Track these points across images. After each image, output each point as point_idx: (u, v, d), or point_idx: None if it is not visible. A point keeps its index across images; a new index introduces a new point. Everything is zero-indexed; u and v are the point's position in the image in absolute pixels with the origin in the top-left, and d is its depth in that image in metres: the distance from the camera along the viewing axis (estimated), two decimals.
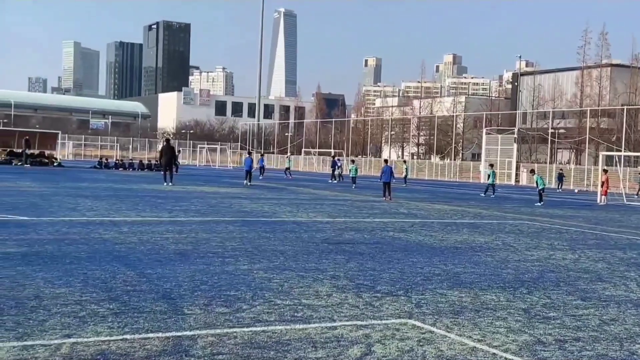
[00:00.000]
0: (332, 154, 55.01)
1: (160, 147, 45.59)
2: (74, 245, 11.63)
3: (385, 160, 32.00)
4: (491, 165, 39.25)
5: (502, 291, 9.27)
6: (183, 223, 16.11)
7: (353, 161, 53.59)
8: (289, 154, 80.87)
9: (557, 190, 50.61)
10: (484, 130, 68.80)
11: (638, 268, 12.05)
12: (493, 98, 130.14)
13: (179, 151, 48.98)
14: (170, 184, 32.42)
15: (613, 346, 6.68)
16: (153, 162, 57.22)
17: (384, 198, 27.99)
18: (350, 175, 41.83)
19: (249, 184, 37.15)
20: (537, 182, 31.75)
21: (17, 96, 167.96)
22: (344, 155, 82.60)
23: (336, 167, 48.52)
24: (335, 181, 46.19)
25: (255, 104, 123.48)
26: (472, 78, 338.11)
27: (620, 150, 55.63)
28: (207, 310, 7.34)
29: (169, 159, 33.75)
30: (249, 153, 47.00)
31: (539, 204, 30.08)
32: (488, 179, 33.15)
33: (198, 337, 6.29)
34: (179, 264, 10.15)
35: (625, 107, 67.44)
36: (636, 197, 41.13)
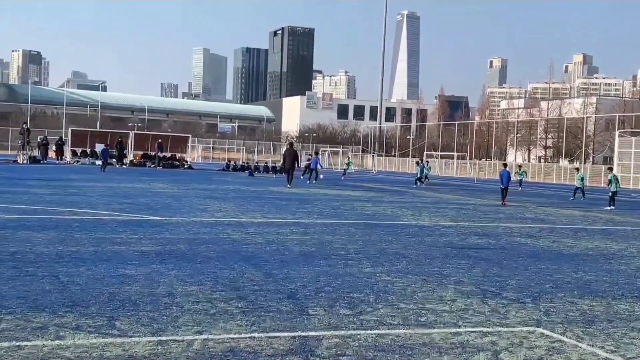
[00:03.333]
0: (418, 160, 54.07)
1: (283, 150, 46.83)
2: (204, 245, 12.08)
3: (505, 165, 30.87)
4: (610, 169, 35.97)
5: (637, 301, 8.84)
6: (307, 225, 16.37)
7: (419, 162, 53.23)
8: (349, 155, 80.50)
9: None
10: (617, 133, 65.73)
11: None
12: (626, 99, 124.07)
13: (316, 153, 50.55)
14: (288, 186, 32.81)
15: None
16: (278, 165, 58.44)
17: (502, 202, 27.29)
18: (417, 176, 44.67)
19: (313, 182, 39.40)
20: (610, 182, 29.79)
21: (150, 101, 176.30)
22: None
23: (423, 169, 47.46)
24: (419, 184, 45.06)
25: (377, 107, 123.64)
26: (604, 78, 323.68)
27: None
28: (331, 311, 7.43)
29: (291, 162, 34.26)
30: (316, 153, 49.33)
31: (608, 208, 27.82)
32: (609, 185, 30.30)
33: (323, 337, 6.38)
34: (303, 265, 10.33)
35: None
36: None
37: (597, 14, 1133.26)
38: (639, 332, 7.15)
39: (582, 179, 35.88)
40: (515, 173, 44.27)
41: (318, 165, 43.10)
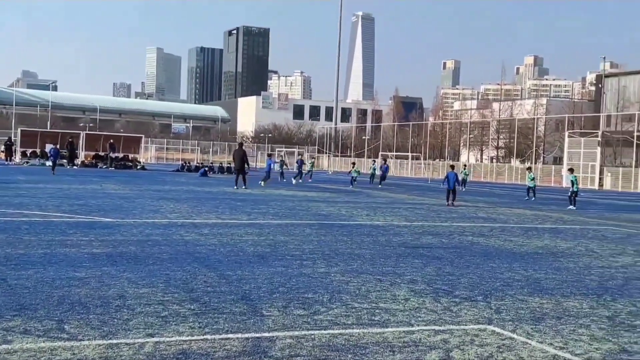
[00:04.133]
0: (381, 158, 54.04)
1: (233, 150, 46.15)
2: (157, 247, 11.95)
3: (452, 166, 29.59)
4: (571, 170, 34.96)
5: (585, 298, 9.03)
6: (261, 225, 16.33)
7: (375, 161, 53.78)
8: (314, 155, 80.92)
9: None
10: (566, 134, 67.07)
11: None
12: (576, 100, 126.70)
13: (280, 157, 50.29)
14: (243, 187, 32.12)
15: None
16: (233, 166, 58.20)
17: (447, 203, 26.66)
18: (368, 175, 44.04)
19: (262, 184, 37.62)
20: (572, 183, 29.67)
21: (102, 101, 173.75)
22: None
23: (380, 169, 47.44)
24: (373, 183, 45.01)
25: (332, 107, 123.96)
26: (554, 80, 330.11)
27: None
28: (286, 312, 7.43)
29: (240, 163, 33.45)
30: (269, 155, 48.63)
31: (571, 207, 28.34)
32: (573, 186, 29.37)
33: (277, 338, 6.37)
34: (257, 266, 10.30)
35: None
36: None
37: (547, 16, 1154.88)
38: (587, 329, 7.30)
39: (533, 179, 36.14)
40: (460, 172, 44.39)
41: (273, 166, 42.83)
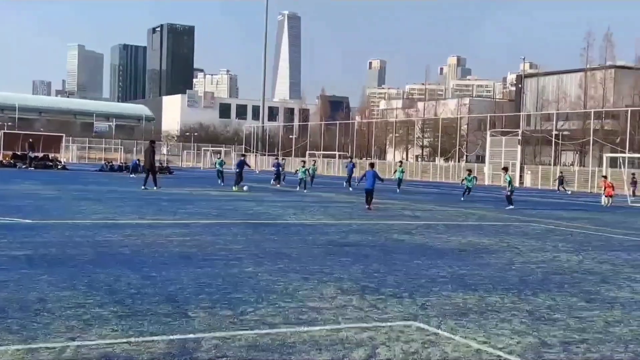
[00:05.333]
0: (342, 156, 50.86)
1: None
2: (79, 249, 11.65)
3: (371, 165, 25.83)
4: (505, 170, 33.88)
5: (507, 293, 9.25)
6: (188, 225, 16.12)
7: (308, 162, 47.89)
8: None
9: (557, 192, 50.58)
10: (488, 132, 68.73)
11: None
12: (497, 100, 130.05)
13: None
14: (154, 187, 30.20)
15: (618, 348, 6.66)
16: (157, 165, 57.29)
17: (367, 207, 23.59)
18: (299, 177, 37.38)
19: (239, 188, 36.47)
20: (508, 183, 28.80)
21: (21, 99, 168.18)
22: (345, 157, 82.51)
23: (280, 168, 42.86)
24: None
25: (259, 106, 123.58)
26: (476, 80, 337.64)
27: (625, 152, 55.51)
28: (212, 313, 7.34)
29: (150, 161, 31.61)
30: (243, 155, 44.35)
31: (511, 206, 27.44)
32: (508, 186, 28.57)
33: (203, 340, 6.29)
34: (183, 267, 10.16)
35: (629, 108, 67.27)
36: (632, 197, 40.54)
37: (470, 17, 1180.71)
38: (509, 323, 7.48)
39: (472, 180, 34.99)
40: (395, 171, 43.74)
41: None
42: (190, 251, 11.86)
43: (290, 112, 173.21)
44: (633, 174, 49.99)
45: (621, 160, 48.24)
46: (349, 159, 47.06)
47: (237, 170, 35.36)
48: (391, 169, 77.11)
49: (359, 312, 7.68)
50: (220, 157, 43.56)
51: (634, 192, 44.17)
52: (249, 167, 35.79)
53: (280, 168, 42.48)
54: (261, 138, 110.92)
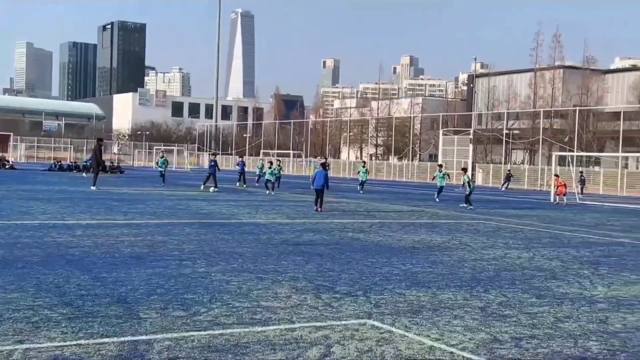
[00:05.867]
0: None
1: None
2: (27, 249, 11.38)
3: (323, 165, 24.41)
4: (464, 170, 32.54)
5: (459, 290, 9.34)
6: (139, 225, 15.90)
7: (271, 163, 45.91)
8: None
9: (502, 189, 51.40)
10: (441, 132, 69.46)
11: (591, 266, 12.27)
12: (449, 99, 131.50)
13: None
14: (92, 187, 29.22)
15: (568, 343, 6.78)
16: (108, 164, 56.44)
17: (316, 208, 22.49)
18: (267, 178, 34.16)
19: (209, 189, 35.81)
20: (467, 184, 28.02)
21: None
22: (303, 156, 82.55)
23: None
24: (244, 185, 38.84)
25: (212, 105, 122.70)
26: (429, 79, 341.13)
27: (573, 151, 56.67)
28: (164, 314, 7.25)
29: (96, 160, 30.66)
30: (214, 154, 42.94)
31: (470, 206, 26.92)
32: (464, 186, 28.07)
33: (154, 341, 6.20)
34: (134, 268, 10.01)
35: (577, 108, 68.71)
36: (580, 195, 41.39)
37: (422, 17, 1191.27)
38: (461, 320, 7.55)
39: (444, 177, 33.08)
40: (357, 172, 40.39)
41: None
42: (141, 251, 11.70)
43: (244, 110, 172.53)
44: (581, 172, 51.12)
45: (569, 159, 49.24)
46: (324, 159, 45.91)
47: (210, 171, 34.35)
48: (347, 168, 77.36)
49: (313, 311, 7.66)
50: (163, 157, 40.94)
51: (582, 189, 45.13)
52: (218, 169, 33.75)
53: (245, 167, 41.41)
54: (214, 137, 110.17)
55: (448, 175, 36.24)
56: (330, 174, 37.90)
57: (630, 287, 10.21)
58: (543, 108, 76.76)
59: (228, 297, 8.19)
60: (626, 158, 67.04)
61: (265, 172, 35.55)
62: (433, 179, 34.74)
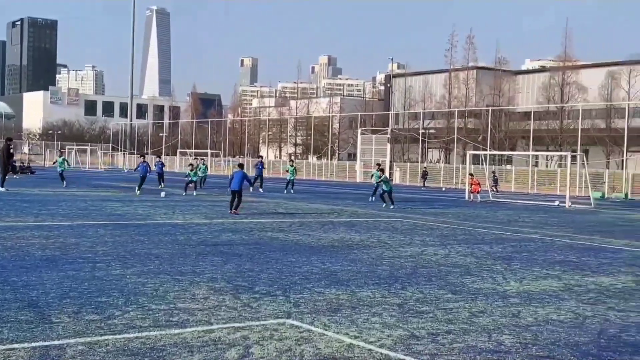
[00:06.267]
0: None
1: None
2: None
3: (240, 165, 23.19)
4: (382, 171, 31.66)
5: (378, 287, 9.44)
6: (50, 227, 15.41)
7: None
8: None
9: (422, 188, 52.38)
10: (359, 131, 70.16)
11: (504, 261, 12.62)
12: (367, 99, 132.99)
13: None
14: (1, 188, 28.05)
15: (482, 337, 6.94)
16: (18, 164, 54.51)
17: (230, 211, 21.16)
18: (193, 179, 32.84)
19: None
20: (384, 182, 27.60)
21: None
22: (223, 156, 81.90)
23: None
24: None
25: (127, 103, 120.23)
26: (347, 79, 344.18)
27: (486, 149, 58.24)
28: (77, 318, 7.04)
29: (3, 160, 29.25)
30: (157, 157, 40.50)
31: (392, 205, 26.56)
32: (385, 185, 27.54)
33: (67, 346, 6.01)
34: (46, 271, 9.68)
35: (490, 108, 70.68)
36: (493, 192, 42.49)
37: (340, 16, 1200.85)
38: (380, 317, 7.63)
39: (386, 180, 31.01)
40: (286, 170, 38.96)
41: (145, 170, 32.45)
42: (53, 254, 11.34)
43: (160, 109, 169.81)
44: (494, 171, 52.55)
45: (483, 157, 50.59)
46: (259, 158, 42.85)
47: (158, 173, 33.08)
48: (269, 168, 77.21)
49: (232, 312, 7.59)
50: (62, 157, 38.43)
51: (496, 188, 46.40)
52: (150, 170, 31.99)
53: (163, 168, 39.21)
54: (129, 136, 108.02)
55: (386, 178, 34.67)
56: (265, 173, 37.41)
57: (541, 281, 10.56)
58: (457, 108, 78.61)
59: (144, 300, 8.03)
60: (536, 156, 69.35)
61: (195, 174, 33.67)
62: (371, 177, 33.67)
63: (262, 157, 44.55)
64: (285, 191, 35.76)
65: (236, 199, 21.28)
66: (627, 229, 21.18)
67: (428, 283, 9.96)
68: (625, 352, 6.61)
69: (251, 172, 43.14)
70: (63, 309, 7.40)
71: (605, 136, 66.53)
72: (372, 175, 32.39)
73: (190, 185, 31.76)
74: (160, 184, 35.94)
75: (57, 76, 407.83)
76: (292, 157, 42.60)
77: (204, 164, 39.68)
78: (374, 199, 30.51)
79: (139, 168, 32.38)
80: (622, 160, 56.35)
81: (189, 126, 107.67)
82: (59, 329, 6.56)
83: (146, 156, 36.59)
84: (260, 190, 34.76)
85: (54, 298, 7.93)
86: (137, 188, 30.84)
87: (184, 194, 30.83)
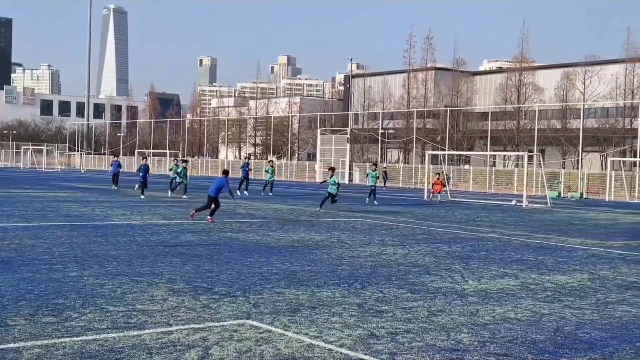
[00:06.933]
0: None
1: None
2: None
3: (225, 172, 20.97)
4: (375, 165, 32.73)
5: (338, 287, 9.47)
6: (6, 229, 15.13)
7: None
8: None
9: (383, 188, 52.62)
10: (319, 131, 70.24)
11: (462, 261, 12.76)
12: (327, 99, 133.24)
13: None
14: None
15: (440, 336, 7.01)
16: None
17: (209, 218, 18.90)
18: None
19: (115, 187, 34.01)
20: (335, 184, 24.81)
21: None
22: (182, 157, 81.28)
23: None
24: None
25: (84, 103, 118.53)
26: (307, 79, 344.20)
27: (445, 149, 58.80)
28: (33, 320, 6.93)
29: None
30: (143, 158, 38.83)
31: (322, 207, 24.51)
32: (370, 181, 28.11)
33: (23, 349, 5.92)
34: (1, 273, 9.51)
35: (448, 108, 71.38)
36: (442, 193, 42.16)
37: (299, 16, 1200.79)
38: (340, 317, 7.65)
39: (376, 177, 31.68)
40: (266, 171, 37.25)
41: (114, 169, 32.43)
42: (8, 256, 11.14)
43: (117, 109, 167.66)
44: (438, 173, 53.02)
45: (441, 157, 51.05)
46: (245, 159, 40.62)
47: (141, 175, 32.01)
48: (229, 168, 76.85)
49: (191, 313, 7.54)
50: None
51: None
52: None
53: (120, 168, 38.17)
54: (86, 136, 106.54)
55: (385, 173, 32.82)
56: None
57: (498, 280, 10.70)
58: (416, 108, 79.18)
59: (102, 302, 7.94)
60: (494, 156, 70.20)
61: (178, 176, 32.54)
62: (366, 176, 32.71)
63: (248, 158, 43.25)
64: (262, 192, 34.94)
65: (213, 205, 19.10)
66: (582, 227, 21.58)
67: (387, 282, 10.02)
68: (580, 349, 6.74)
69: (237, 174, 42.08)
70: (19, 311, 7.28)
71: (561, 136, 67.65)
72: (367, 175, 31.94)
73: (179, 186, 30.62)
74: (114, 185, 35.36)
75: (12, 75, 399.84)
76: (271, 159, 40.47)
77: (176, 165, 37.99)
78: (373, 201, 29.77)
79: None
80: (578, 160, 57.38)
81: (147, 126, 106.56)
82: (14, 332, 6.45)
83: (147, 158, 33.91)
84: (246, 192, 34.15)
85: (10, 300, 7.79)
86: (141, 192, 29.60)
87: (184, 196, 29.10)
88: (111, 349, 6.04)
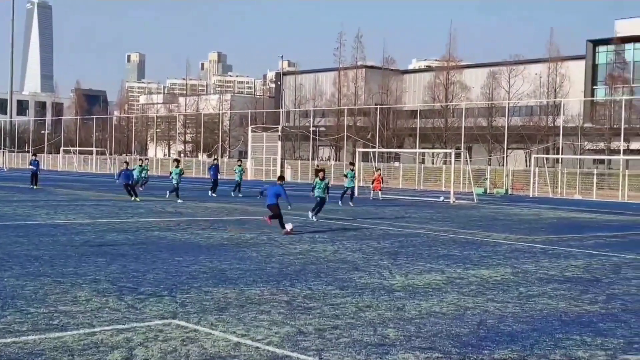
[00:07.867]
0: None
1: None
2: None
3: (281, 178, 19.40)
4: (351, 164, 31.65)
5: (267, 285, 9.45)
6: None
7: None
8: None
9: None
10: (250, 128, 69.95)
11: (390, 256, 12.91)
12: (258, 97, 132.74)
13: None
14: None
15: (368, 331, 7.07)
16: None
17: (266, 219, 17.24)
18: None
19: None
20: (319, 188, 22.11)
21: None
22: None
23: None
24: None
25: (6, 99, 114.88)
26: (237, 76, 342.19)
27: (375, 147, 59.39)
28: None
29: None
30: (139, 160, 36.67)
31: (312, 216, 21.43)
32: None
33: None
34: None
35: (378, 106, 72.11)
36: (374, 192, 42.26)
37: (230, 13, 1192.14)
38: (268, 315, 7.64)
39: (353, 178, 30.36)
40: (234, 172, 36.15)
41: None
42: None
43: (42, 106, 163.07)
44: (379, 169, 53.61)
45: (372, 155, 51.52)
46: (214, 160, 39.25)
47: (33, 172, 30.56)
48: (158, 167, 75.68)
49: (115, 314, 7.40)
50: None
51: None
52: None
53: (39, 166, 37.23)
54: (9, 133, 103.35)
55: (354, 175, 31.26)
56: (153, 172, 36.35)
57: (425, 275, 10.87)
58: (347, 106, 79.68)
59: (22, 303, 7.71)
60: (423, 154, 71.27)
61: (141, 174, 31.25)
62: (345, 177, 31.22)
63: (216, 159, 42.01)
64: (232, 193, 33.79)
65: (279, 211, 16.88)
66: (507, 223, 22.13)
67: (316, 279, 10.05)
68: (502, 341, 6.90)
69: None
70: None
71: (487, 134, 69.15)
72: (346, 175, 30.37)
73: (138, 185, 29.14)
74: (33, 185, 33.98)
75: None
76: (240, 159, 38.76)
77: (140, 164, 36.28)
78: (341, 203, 28.16)
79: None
80: (503, 157, 58.77)
81: (72, 123, 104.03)
82: None
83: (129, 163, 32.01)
84: (214, 194, 33.20)
85: None
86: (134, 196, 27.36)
87: (179, 201, 26.62)
88: (31, 352, 5.87)
